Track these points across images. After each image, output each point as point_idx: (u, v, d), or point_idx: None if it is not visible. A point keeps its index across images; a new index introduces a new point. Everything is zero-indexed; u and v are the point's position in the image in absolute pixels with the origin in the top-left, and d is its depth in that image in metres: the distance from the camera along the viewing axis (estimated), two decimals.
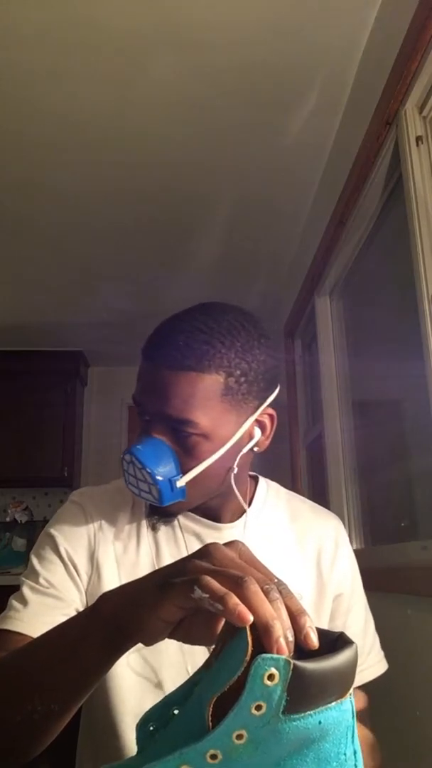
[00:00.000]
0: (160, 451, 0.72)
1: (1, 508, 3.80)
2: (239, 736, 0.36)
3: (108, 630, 0.51)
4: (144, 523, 0.82)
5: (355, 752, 0.38)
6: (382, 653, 0.87)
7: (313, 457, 2.62)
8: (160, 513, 0.79)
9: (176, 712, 0.43)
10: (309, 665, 0.36)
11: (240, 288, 2.94)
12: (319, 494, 2.38)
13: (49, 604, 0.74)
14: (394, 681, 1.33)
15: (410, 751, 1.26)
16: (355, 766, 0.38)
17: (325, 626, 0.83)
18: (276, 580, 0.45)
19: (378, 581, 1.56)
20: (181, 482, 0.73)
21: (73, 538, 0.79)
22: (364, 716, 0.77)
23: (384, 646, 0.89)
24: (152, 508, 0.79)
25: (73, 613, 0.74)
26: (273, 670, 0.36)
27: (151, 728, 0.45)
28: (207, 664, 0.44)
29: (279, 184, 2.11)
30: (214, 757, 0.36)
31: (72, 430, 3.72)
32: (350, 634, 0.45)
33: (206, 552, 0.48)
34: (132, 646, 0.51)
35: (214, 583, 0.43)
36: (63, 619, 0.68)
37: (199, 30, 1.47)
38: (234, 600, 0.41)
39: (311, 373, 2.64)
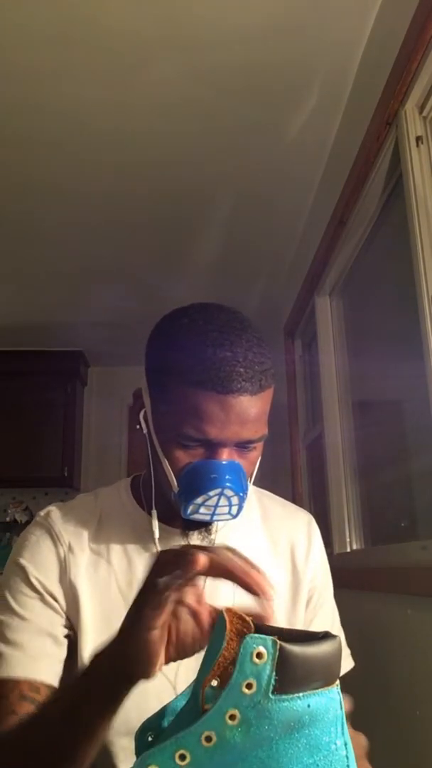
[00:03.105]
0: (241, 473, 0.70)
1: (1, 508, 3.80)
2: (232, 717, 0.38)
3: (108, 680, 0.52)
4: (113, 537, 0.80)
5: (345, 744, 0.40)
6: (348, 650, 0.87)
7: (313, 457, 2.61)
8: (197, 525, 0.77)
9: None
10: (295, 648, 0.39)
11: (240, 288, 2.94)
12: (319, 494, 2.38)
13: (34, 639, 0.72)
14: (394, 681, 1.34)
15: (410, 751, 1.26)
16: (347, 757, 0.40)
17: (300, 620, 0.83)
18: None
19: (378, 581, 1.57)
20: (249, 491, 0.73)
21: (43, 566, 0.76)
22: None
23: (384, 646, 0.89)
24: (189, 523, 0.75)
25: (60, 636, 0.74)
26: (261, 649, 0.39)
27: (150, 738, 0.47)
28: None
29: (279, 184, 2.11)
30: (209, 739, 0.39)
31: (72, 430, 3.72)
32: (321, 629, 0.46)
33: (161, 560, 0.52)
34: (132, 687, 0.52)
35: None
36: (51, 647, 0.70)
37: (199, 30, 1.47)
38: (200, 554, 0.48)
39: (311, 373, 2.63)
